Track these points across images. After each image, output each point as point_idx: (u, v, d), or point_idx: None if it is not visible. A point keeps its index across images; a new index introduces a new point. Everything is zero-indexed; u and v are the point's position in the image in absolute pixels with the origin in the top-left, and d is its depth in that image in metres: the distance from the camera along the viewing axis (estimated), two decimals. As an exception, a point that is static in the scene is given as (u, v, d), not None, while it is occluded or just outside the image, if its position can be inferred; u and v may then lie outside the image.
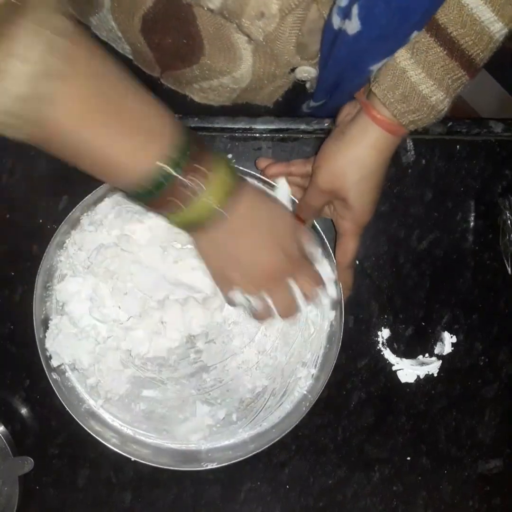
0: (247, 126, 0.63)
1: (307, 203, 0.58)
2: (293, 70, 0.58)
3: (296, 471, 0.65)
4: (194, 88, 0.61)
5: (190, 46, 0.55)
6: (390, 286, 0.65)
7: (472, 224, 0.65)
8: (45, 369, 0.58)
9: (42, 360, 0.58)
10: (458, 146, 0.65)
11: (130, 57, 0.62)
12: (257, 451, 0.60)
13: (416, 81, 0.49)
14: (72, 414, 0.59)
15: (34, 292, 0.58)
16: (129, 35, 0.57)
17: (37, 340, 0.59)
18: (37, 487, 0.64)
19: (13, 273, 0.63)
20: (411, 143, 0.64)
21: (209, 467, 0.60)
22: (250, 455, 0.60)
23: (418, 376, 0.65)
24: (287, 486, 0.65)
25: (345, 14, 0.46)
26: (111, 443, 0.60)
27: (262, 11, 0.45)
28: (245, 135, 0.64)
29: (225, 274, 0.52)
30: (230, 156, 0.63)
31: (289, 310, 0.53)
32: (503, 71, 1.37)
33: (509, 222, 0.64)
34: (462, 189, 0.65)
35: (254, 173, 0.60)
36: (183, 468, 0.60)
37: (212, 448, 0.62)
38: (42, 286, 0.60)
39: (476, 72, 0.49)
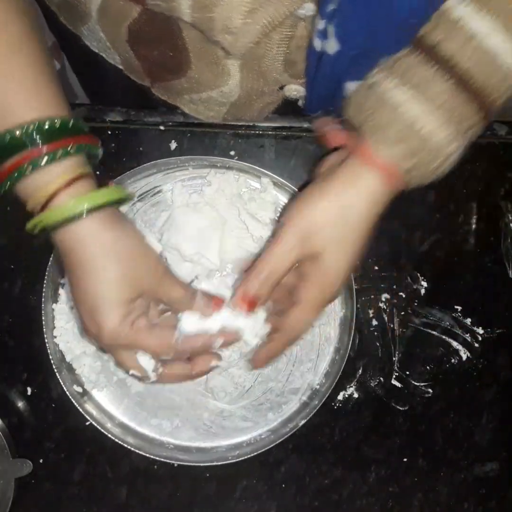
0: (250, 124, 0.63)
1: (271, 270, 0.46)
2: (282, 87, 0.56)
3: (292, 470, 0.65)
4: (185, 99, 0.60)
5: (177, 59, 0.54)
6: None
7: (474, 226, 0.65)
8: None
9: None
10: (461, 148, 0.65)
11: (121, 67, 0.61)
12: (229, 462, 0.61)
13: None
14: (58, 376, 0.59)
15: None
16: (117, 45, 0.57)
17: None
18: (33, 481, 0.63)
19: (12, 266, 0.63)
20: (414, 144, 0.64)
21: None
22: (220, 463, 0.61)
23: (417, 378, 0.65)
24: (283, 485, 0.65)
25: (324, 35, 0.46)
26: (88, 415, 0.60)
27: (226, 25, 0.44)
28: (248, 132, 0.63)
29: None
30: (232, 153, 0.63)
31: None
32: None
33: (511, 225, 0.64)
34: (464, 191, 0.65)
35: (257, 167, 0.60)
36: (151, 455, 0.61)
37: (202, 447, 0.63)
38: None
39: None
